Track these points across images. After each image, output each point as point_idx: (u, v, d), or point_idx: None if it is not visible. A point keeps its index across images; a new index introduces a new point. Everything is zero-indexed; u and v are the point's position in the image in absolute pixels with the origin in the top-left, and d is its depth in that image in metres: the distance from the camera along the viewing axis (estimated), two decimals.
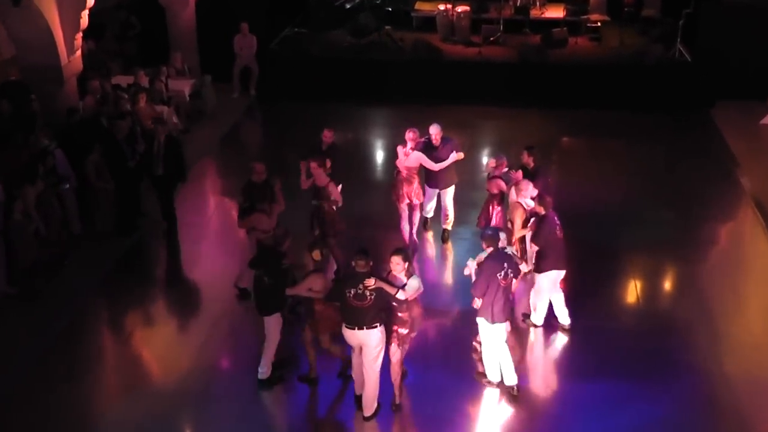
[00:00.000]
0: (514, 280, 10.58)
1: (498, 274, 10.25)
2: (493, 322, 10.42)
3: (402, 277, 9.94)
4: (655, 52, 21.04)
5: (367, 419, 10.34)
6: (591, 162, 17.99)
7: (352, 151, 17.64)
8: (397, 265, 9.91)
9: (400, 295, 9.82)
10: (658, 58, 20.88)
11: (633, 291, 13.29)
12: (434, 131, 13.45)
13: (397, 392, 10.49)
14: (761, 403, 10.76)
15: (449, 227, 14.34)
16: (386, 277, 9.97)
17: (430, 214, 14.48)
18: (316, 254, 10.38)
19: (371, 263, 9.96)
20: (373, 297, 9.76)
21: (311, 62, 21.41)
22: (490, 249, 10.41)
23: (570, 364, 11.55)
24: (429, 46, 21.68)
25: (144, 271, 13.96)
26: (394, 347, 10.22)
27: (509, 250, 10.81)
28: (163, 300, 13.22)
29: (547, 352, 11.90)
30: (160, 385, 11.21)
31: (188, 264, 13.98)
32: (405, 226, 13.76)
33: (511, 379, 10.78)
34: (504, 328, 10.56)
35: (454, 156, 13.48)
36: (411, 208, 13.71)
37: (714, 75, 20.27)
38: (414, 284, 9.93)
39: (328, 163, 12.74)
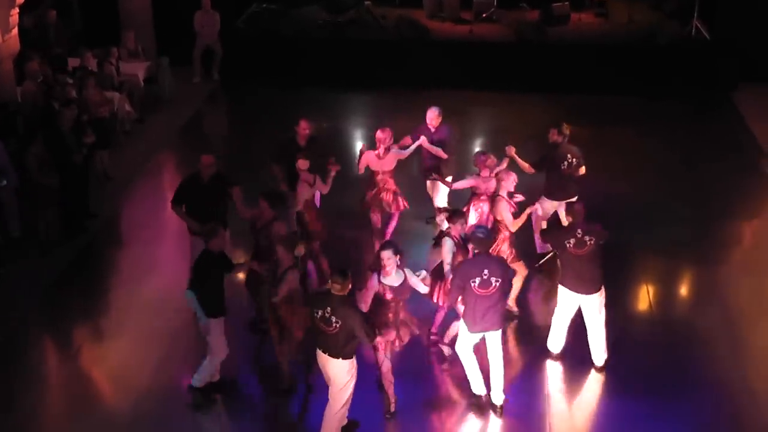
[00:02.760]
0: (502, 288, 10.49)
1: (473, 281, 10.27)
2: (470, 330, 10.51)
3: (395, 273, 10.10)
4: (669, 30, 21.13)
5: None
6: (597, 153, 17.93)
7: (328, 143, 17.60)
8: (389, 260, 10.01)
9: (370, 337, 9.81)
10: (672, 36, 20.97)
11: (645, 297, 13.34)
12: (431, 115, 13.92)
13: (391, 399, 10.54)
14: None
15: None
16: (371, 275, 10.08)
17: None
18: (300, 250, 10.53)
19: (350, 286, 9.76)
20: (338, 325, 9.61)
21: (282, 42, 21.38)
22: (476, 251, 10.52)
23: (575, 380, 11.53)
24: (414, 23, 21.70)
25: (93, 278, 13.89)
26: (381, 356, 10.31)
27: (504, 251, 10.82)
28: (115, 311, 13.14)
29: (550, 369, 11.90)
30: (113, 408, 11.10)
31: (144, 271, 13.92)
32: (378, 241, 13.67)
33: (497, 398, 10.78)
34: (496, 337, 10.58)
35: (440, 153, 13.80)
36: (387, 216, 13.82)
37: (736, 54, 20.39)
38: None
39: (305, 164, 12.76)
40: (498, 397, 10.75)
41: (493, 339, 10.58)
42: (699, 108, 20.11)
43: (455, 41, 21.40)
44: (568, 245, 11.11)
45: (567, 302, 11.41)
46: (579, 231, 11.13)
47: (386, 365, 10.39)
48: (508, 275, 10.57)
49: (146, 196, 16.44)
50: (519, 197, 12.31)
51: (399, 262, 10.14)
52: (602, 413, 10.83)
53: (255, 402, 11.17)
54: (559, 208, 13.30)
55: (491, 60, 20.94)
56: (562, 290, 11.42)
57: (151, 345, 12.22)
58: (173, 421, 10.80)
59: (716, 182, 16.60)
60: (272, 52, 21.36)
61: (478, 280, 10.24)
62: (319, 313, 9.67)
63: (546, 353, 11.84)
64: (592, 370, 11.60)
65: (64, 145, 14.10)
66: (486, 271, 10.25)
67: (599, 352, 11.53)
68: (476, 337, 10.57)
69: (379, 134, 13.41)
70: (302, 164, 12.56)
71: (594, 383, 11.40)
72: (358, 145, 18.71)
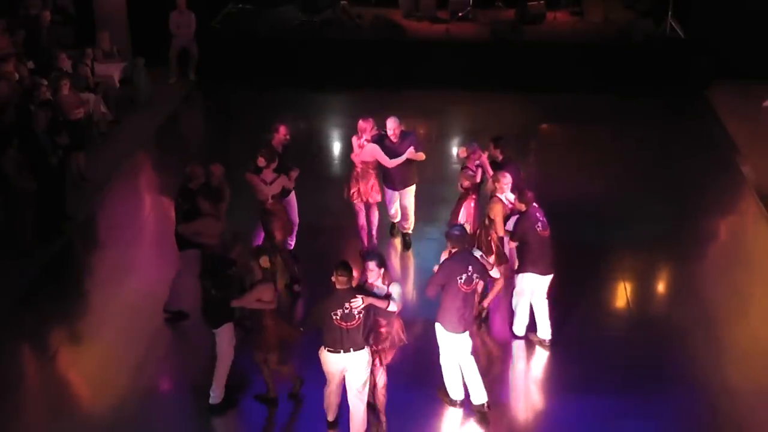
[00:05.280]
0: (479, 286, 10.72)
1: (459, 278, 10.28)
2: (450, 330, 10.46)
3: (379, 284, 9.91)
4: (644, 28, 21.19)
5: None
6: (574, 152, 18.07)
7: (305, 143, 17.61)
8: (371, 272, 9.85)
9: (392, 308, 9.77)
10: (647, 35, 21.03)
11: (622, 295, 13.38)
12: (392, 125, 13.35)
13: (382, 417, 10.41)
14: None
15: (410, 231, 14.32)
16: (365, 287, 9.92)
17: (396, 218, 14.39)
18: (264, 261, 10.29)
19: (354, 277, 9.90)
20: (361, 316, 9.68)
21: (258, 42, 21.32)
22: (455, 249, 10.48)
23: (553, 379, 11.60)
24: (390, 23, 21.68)
25: (70, 281, 13.82)
26: (380, 371, 10.20)
27: (477, 252, 10.82)
28: (92, 314, 13.07)
29: (527, 366, 11.94)
30: (91, 411, 11.07)
31: (121, 273, 13.85)
32: (363, 224, 13.89)
33: (480, 397, 10.70)
34: (467, 338, 10.58)
35: (412, 151, 13.38)
36: (368, 206, 13.78)
37: (710, 52, 20.46)
38: (398, 291, 9.92)
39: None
40: (480, 397, 10.68)
41: (467, 338, 10.60)
42: (674, 106, 20.18)
43: (431, 40, 21.38)
44: (538, 228, 11.43)
45: (531, 286, 11.69)
46: (538, 214, 11.53)
47: (383, 380, 10.26)
48: (487, 274, 10.65)
49: (123, 197, 16.36)
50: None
51: (384, 276, 9.96)
52: (579, 410, 10.82)
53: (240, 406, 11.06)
54: None
55: (467, 59, 20.94)
56: (527, 276, 11.62)
57: (129, 347, 12.14)
58: (153, 424, 10.75)
59: (692, 179, 16.66)
60: (248, 53, 21.28)
61: (464, 276, 10.26)
62: (339, 313, 9.65)
63: (519, 348, 11.97)
64: (565, 365, 11.66)
65: (39, 147, 14.01)
66: (470, 268, 10.31)
67: (547, 327, 11.98)
68: (458, 338, 10.51)
69: (361, 123, 13.41)
70: (260, 161, 12.56)
71: (568, 379, 11.42)
72: (334, 144, 18.77)
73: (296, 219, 13.65)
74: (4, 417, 10.85)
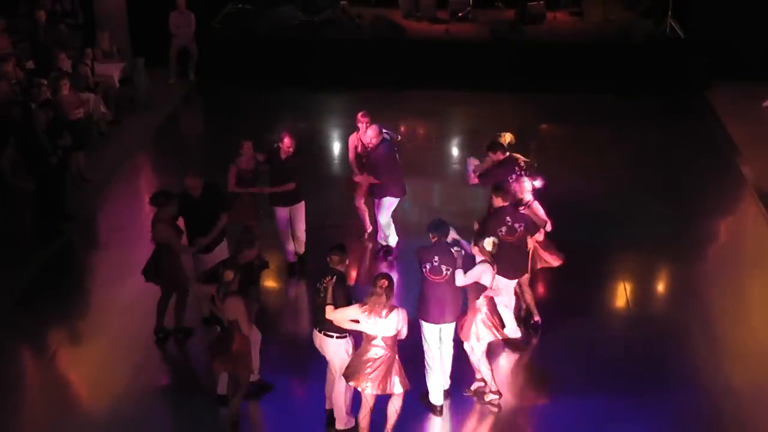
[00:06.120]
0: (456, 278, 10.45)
1: (424, 266, 10.41)
2: (429, 321, 10.53)
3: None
4: (644, 28, 21.18)
5: None
6: (573, 152, 18.06)
7: (306, 143, 17.54)
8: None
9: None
10: (647, 35, 21.02)
11: (622, 294, 13.36)
12: (371, 134, 13.30)
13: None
14: None
15: (384, 243, 14.12)
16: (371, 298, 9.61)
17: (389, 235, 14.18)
18: (228, 274, 9.98)
19: (346, 263, 10.03)
20: (322, 296, 9.81)
21: (258, 42, 21.32)
22: (433, 239, 10.52)
23: (552, 378, 11.53)
24: (390, 23, 21.67)
25: (70, 281, 13.80)
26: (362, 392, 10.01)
27: (456, 247, 10.60)
28: (92, 314, 13.05)
29: (524, 364, 11.90)
30: (90, 411, 11.04)
31: (121, 273, 13.80)
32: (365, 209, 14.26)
33: (438, 398, 10.75)
34: (450, 330, 10.59)
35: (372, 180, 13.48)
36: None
37: (710, 53, 20.46)
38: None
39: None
40: (438, 397, 10.73)
41: (447, 332, 10.65)
42: (674, 106, 20.18)
43: (431, 41, 21.38)
44: (500, 233, 11.28)
45: (508, 288, 11.65)
46: (508, 219, 11.44)
47: (367, 404, 9.99)
48: (459, 265, 10.39)
49: (123, 197, 16.35)
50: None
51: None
52: (579, 410, 10.79)
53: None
54: None
55: (467, 59, 20.93)
56: (499, 277, 11.32)
57: (128, 348, 12.12)
58: (151, 424, 10.73)
59: (692, 180, 16.67)
60: (248, 53, 21.28)
61: (428, 265, 10.39)
62: (317, 285, 9.94)
63: (517, 348, 11.94)
64: (563, 364, 11.64)
65: (39, 147, 13.99)
66: (437, 258, 10.37)
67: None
68: (436, 329, 10.57)
69: (360, 117, 13.66)
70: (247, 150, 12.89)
71: (567, 378, 11.38)
72: (335, 145, 18.74)
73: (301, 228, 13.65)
74: (3, 416, 10.82)
